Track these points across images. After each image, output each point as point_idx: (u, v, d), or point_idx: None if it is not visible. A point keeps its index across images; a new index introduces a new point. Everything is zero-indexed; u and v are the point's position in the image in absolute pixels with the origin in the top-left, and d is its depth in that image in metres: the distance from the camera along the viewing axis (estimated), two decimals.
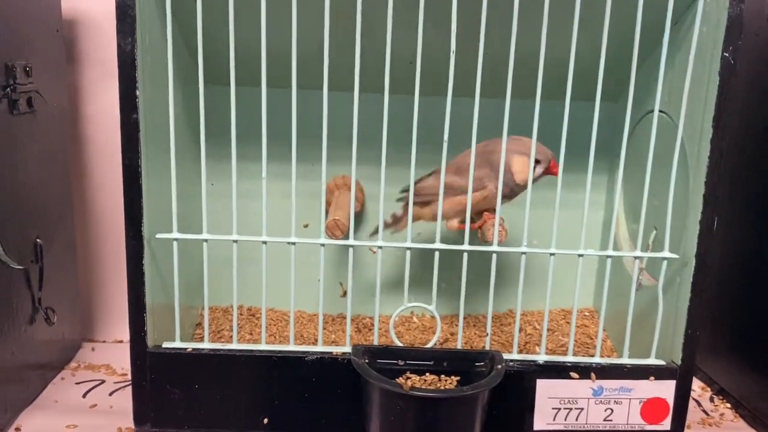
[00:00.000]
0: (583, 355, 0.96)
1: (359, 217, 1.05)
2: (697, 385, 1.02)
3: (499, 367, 0.74)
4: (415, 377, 0.75)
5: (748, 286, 0.93)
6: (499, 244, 0.81)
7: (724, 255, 0.99)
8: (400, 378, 0.74)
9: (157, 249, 0.79)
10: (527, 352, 0.96)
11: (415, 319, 1.06)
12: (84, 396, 0.91)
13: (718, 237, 0.99)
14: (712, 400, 0.98)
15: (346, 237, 0.82)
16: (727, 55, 0.74)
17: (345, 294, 1.07)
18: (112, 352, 1.06)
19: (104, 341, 1.11)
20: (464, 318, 1.08)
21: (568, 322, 1.06)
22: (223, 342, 0.96)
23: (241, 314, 1.04)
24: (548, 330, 1.03)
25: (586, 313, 1.08)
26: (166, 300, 0.82)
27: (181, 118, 0.86)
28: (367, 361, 0.75)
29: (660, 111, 0.85)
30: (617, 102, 1.01)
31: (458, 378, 0.75)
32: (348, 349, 0.79)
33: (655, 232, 0.87)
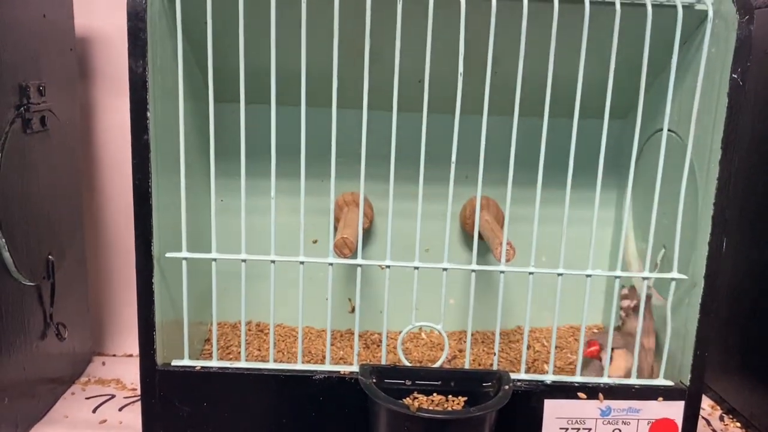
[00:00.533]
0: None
1: (368, 233, 1.05)
2: (707, 403, 1.02)
3: (507, 387, 0.74)
4: (422, 397, 0.75)
5: (759, 306, 0.93)
6: (507, 262, 0.81)
7: (734, 274, 0.99)
8: (407, 398, 0.74)
9: (167, 267, 0.80)
10: (535, 370, 0.96)
11: (423, 336, 1.06)
12: (94, 411, 0.92)
13: (729, 256, 0.99)
14: (722, 419, 0.97)
15: (355, 256, 0.82)
16: (735, 76, 0.73)
17: (353, 310, 1.07)
18: (122, 367, 1.07)
19: (114, 355, 1.12)
20: (473, 334, 1.08)
21: (576, 339, 1.05)
22: (231, 357, 0.96)
23: (249, 330, 1.05)
24: (556, 347, 1.03)
25: (595, 330, 1.08)
26: (176, 317, 0.83)
27: (193, 135, 0.87)
28: (374, 380, 0.76)
29: (670, 130, 0.86)
30: (627, 119, 1.01)
31: (465, 398, 0.75)
32: (356, 368, 0.79)
33: (663, 250, 0.87)
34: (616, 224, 1.05)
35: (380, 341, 1.05)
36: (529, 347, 1.03)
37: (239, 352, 0.98)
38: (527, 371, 0.95)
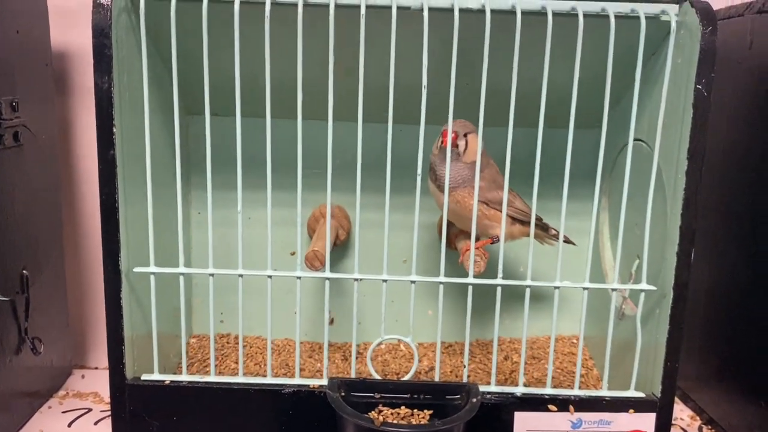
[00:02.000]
0: (569, 385, 0.96)
1: (345, 245, 1.05)
2: (686, 414, 1.01)
3: (474, 400, 0.74)
4: (387, 410, 0.74)
5: (736, 316, 0.92)
6: (478, 275, 0.81)
7: (713, 284, 0.98)
8: (374, 411, 0.74)
9: (139, 281, 0.80)
10: (512, 381, 0.95)
11: (402, 348, 1.06)
12: (69, 425, 0.92)
13: (707, 266, 0.99)
14: (700, 429, 0.97)
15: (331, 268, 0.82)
16: (700, 87, 0.73)
17: (332, 321, 1.07)
18: (102, 380, 1.06)
19: (96, 368, 1.12)
20: (452, 345, 1.08)
21: (557, 350, 1.05)
22: (209, 371, 0.96)
23: (228, 342, 1.05)
24: (535, 358, 1.03)
25: (575, 341, 1.07)
26: (149, 330, 0.83)
27: (169, 149, 0.87)
28: (342, 394, 0.76)
29: (641, 140, 0.86)
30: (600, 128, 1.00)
31: (431, 411, 0.75)
32: (325, 381, 0.79)
33: (638, 261, 0.87)
34: (596, 234, 1.05)
35: (358, 354, 1.05)
36: (507, 358, 1.02)
37: (217, 365, 0.98)
38: (504, 382, 0.95)
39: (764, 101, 0.87)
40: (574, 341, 1.07)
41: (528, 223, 0.85)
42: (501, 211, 0.80)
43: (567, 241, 0.89)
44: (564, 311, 1.08)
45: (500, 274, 0.79)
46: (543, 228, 0.89)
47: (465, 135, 0.83)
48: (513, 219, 0.85)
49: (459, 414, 0.71)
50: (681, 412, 1.02)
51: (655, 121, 0.80)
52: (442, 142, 0.82)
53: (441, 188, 0.82)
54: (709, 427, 0.97)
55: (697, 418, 1.00)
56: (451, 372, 0.99)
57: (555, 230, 0.85)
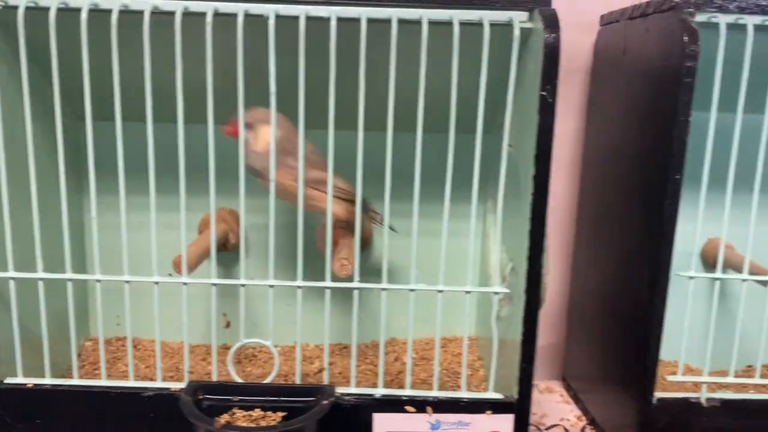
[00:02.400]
0: (452, 386, 0.97)
1: (235, 249, 1.06)
2: (574, 415, 1.02)
3: (325, 402, 0.75)
4: (240, 413, 0.75)
5: (613, 319, 0.94)
6: (344, 278, 0.82)
7: (596, 288, 1.00)
8: (227, 414, 0.75)
9: (5, 286, 0.81)
10: (398, 383, 0.96)
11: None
12: None
13: (592, 270, 1.00)
14: (583, 430, 0.98)
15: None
16: (544, 93, 0.74)
17: (228, 325, 1.08)
18: None
19: None
20: (348, 347, 1.09)
21: (446, 351, 1.07)
22: (99, 374, 0.97)
23: (123, 346, 1.06)
24: (424, 359, 1.04)
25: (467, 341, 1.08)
26: (25, 335, 0.83)
27: (54, 155, 0.87)
28: (200, 397, 0.77)
29: (511, 145, 0.87)
30: (492, 133, 1.01)
31: (285, 413, 0.76)
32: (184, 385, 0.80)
33: (511, 264, 0.88)
34: (484, 236, 1.06)
35: (253, 355, 1.06)
36: (397, 359, 1.04)
37: (109, 368, 0.99)
38: (391, 383, 0.96)
39: (636, 106, 0.88)
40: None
41: (353, 202, 0.84)
42: (321, 191, 0.82)
43: (390, 228, 0.88)
44: (457, 312, 1.09)
45: (357, 278, 0.80)
46: (364, 210, 0.87)
47: (251, 125, 0.83)
48: (337, 198, 0.86)
49: (302, 417, 0.72)
50: (570, 413, 1.03)
51: (523, 127, 0.81)
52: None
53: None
54: (592, 427, 0.99)
55: (583, 418, 1.01)
56: (339, 373, 1.01)
57: (379, 214, 0.86)
